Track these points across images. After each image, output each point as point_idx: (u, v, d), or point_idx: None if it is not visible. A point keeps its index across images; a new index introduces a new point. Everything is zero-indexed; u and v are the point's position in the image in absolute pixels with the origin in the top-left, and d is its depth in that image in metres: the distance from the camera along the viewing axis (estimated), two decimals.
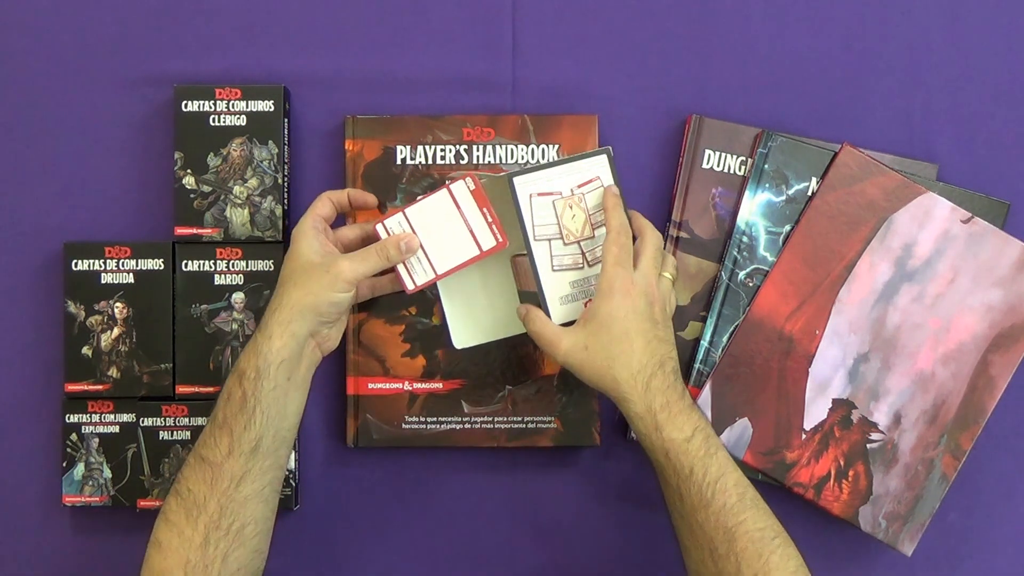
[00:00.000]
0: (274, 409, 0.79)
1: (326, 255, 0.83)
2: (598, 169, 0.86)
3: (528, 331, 0.84)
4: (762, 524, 0.78)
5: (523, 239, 0.85)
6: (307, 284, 0.80)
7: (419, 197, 0.86)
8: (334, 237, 0.87)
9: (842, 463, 0.90)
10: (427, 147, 0.93)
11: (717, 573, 0.77)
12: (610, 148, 0.87)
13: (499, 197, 0.86)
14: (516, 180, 0.84)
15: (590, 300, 0.84)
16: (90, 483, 0.92)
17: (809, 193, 0.91)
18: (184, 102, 0.93)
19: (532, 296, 0.86)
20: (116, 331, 0.93)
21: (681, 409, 0.79)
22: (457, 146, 0.93)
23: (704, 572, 0.78)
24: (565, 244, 0.85)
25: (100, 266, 0.93)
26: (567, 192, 0.85)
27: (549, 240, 0.85)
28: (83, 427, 0.92)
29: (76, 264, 0.93)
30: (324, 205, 0.86)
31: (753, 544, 0.77)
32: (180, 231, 0.93)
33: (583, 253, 0.86)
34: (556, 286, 0.85)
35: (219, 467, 0.77)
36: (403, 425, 0.93)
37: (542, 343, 0.83)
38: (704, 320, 0.92)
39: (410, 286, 0.85)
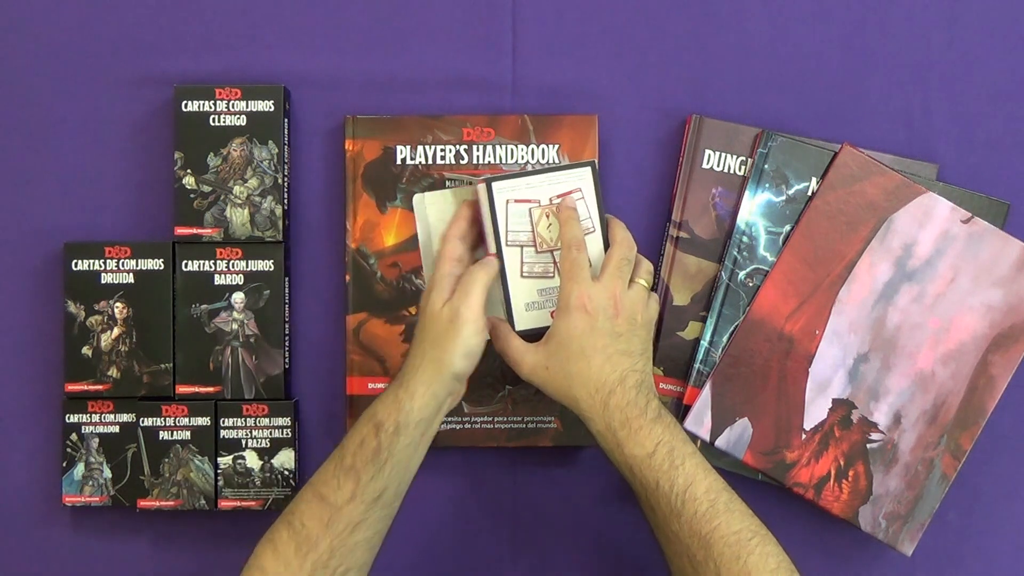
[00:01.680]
0: (404, 464, 0.80)
1: (450, 304, 0.80)
2: (581, 181, 0.85)
3: (495, 347, 0.84)
4: (737, 527, 0.78)
5: (494, 243, 0.84)
6: (442, 342, 0.79)
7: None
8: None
9: (842, 463, 0.90)
10: (427, 147, 0.93)
11: None
12: (595, 162, 0.86)
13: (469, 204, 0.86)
14: (495, 185, 0.84)
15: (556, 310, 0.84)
16: (90, 483, 0.92)
17: (809, 193, 0.91)
18: (184, 102, 0.93)
19: (500, 303, 0.85)
20: (116, 331, 0.93)
21: (641, 425, 0.79)
22: (457, 146, 0.93)
23: None
24: (537, 252, 0.84)
25: (100, 266, 0.93)
26: (545, 201, 0.84)
27: (521, 246, 0.84)
28: (83, 427, 0.92)
29: (76, 264, 0.93)
30: (453, 248, 0.83)
31: (729, 548, 0.77)
32: (180, 231, 0.93)
33: (555, 263, 0.85)
34: (523, 292, 0.84)
35: (338, 510, 0.77)
36: None
37: (507, 360, 0.83)
38: (704, 320, 0.92)
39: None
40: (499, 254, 0.84)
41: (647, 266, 0.85)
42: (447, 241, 0.83)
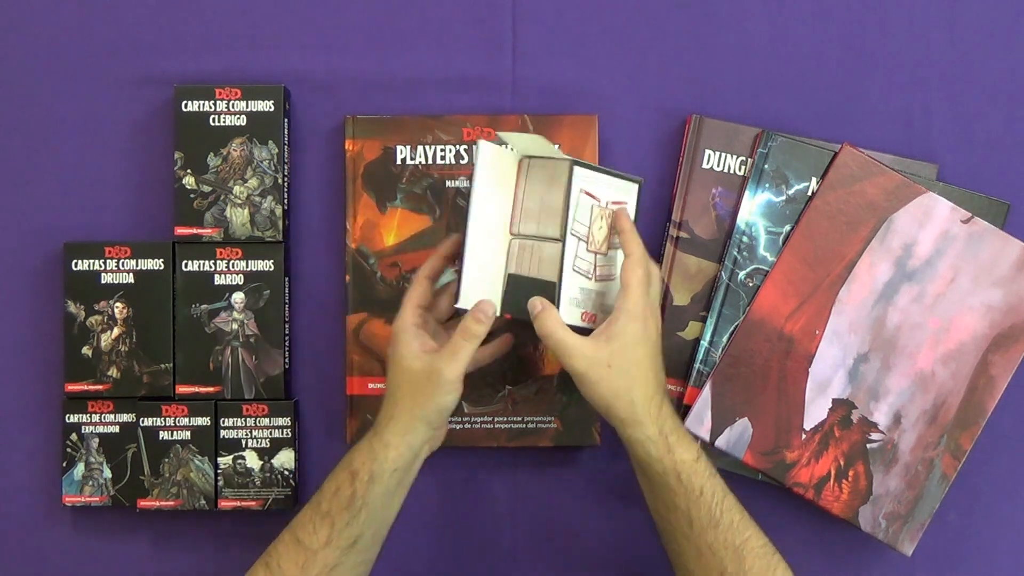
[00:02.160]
0: (380, 512, 0.80)
1: (426, 359, 0.80)
2: (628, 195, 0.86)
3: (538, 328, 0.80)
4: (764, 541, 0.80)
5: (559, 228, 0.82)
6: (415, 395, 0.80)
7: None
8: (433, 323, 0.85)
9: (842, 463, 0.90)
10: (427, 147, 0.93)
11: None
12: (643, 180, 0.87)
13: (535, 175, 0.84)
14: (576, 169, 0.83)
15: (588, 313, 0.84)
16: (90, 483, 0.92)
17: (809, 193, 0.91)
18: (184, 102, 0.93)
19: (526, 284, 0.83)
20: (116, 331, 0.93)
21: (685, 432, 0.81)
22: (457, 146, 0.93)
23: None
24: (588, 250, 0.85)
25: (100, 266, 0.93)
26: (603, 203, 0.85)
27: (578, 239, 0.84)
28: (83, 427, 0.92)
29: (76, 264, 0.93)
30: (421, 291, 0.84)
31: (759, 560, 0.78)
32: (180, 231, 0.93)
33: (595, 266, 0.85)
34: (571, 285, 0.84)
35: (314, 554, 0.78)
36: None
37: (556, 346, 0.79)
38: (704, 320, 0.92)
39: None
40: (562, 239, 0.83)
41: (657, 271, 0.85)
42: (416, 283, 0.84)
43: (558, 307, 0.82)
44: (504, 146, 0.84)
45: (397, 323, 0.82)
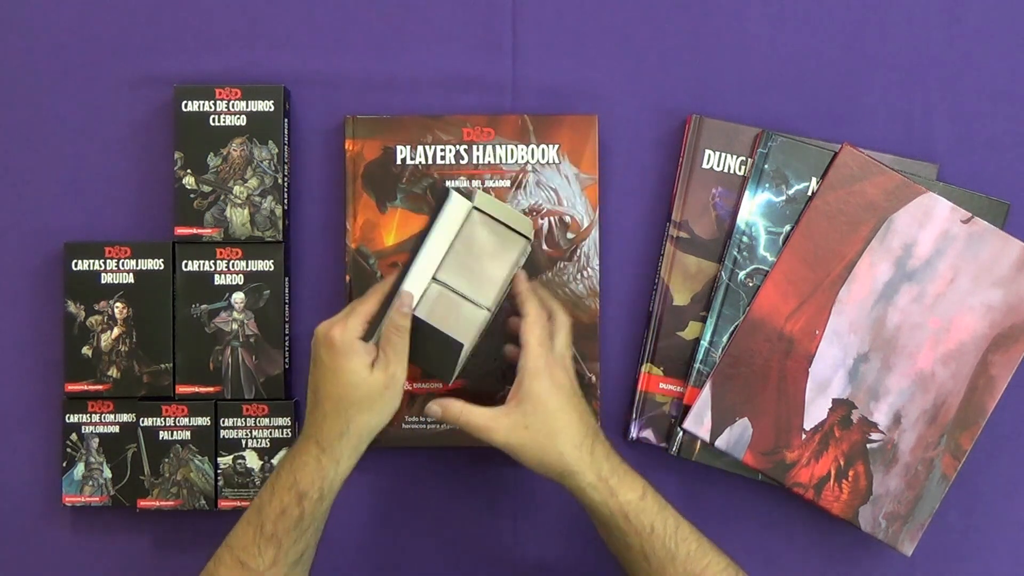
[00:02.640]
0: (322, 522, 0.80)
1: (379, 372, 0.79)
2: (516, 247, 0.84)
3: (449, 420, 0.81)
4: (723, 563, 0.80)
5: (494, 300, 0.82)
6: (374, 408, 0.79)
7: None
8: (362, 325, 0.81)
9: (842, 463, 0.90)
10: (427, 147, 0.93)
11: None
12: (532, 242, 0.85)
13: (483, 234, 0.83)
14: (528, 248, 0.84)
15: None
16: (90, 483, 0.92)
17: (809, 193, 0.91)
18: (184, 102, 0.93)
19: (431, 334, 0.81)
20: (116, 331, 0.93)
21: (626, 471, 0.80)
22: (457, 146, 0.93)
23: None
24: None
25: (100, 266, 0.93)
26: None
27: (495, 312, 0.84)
28: (83, 427, 0.92)
29: (76, 264, 0.93)
30: (372, 307, 0.81)
31: None
32: (180, 231, 0.93)
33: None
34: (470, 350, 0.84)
35: (261, 575, 0.78)
36: (403, 425, 0.93)
37: (472, 430, 0.80)
38: (704, 320, 0.92)
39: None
40: (492, 311, 0.82)
41: (563, 320, 0.84)
42: (369, 297, 0.81)
43: (456, 369, 0.83)
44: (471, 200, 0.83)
45: (343, 334, 0.78)
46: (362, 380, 0.78)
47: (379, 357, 0.79)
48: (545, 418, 0.79)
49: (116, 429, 0.92)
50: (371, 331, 0.80)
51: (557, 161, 0.93)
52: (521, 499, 0.95)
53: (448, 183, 0.93)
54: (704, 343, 0.91)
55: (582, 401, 0.82)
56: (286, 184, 0.94)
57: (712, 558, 0.79)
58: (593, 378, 0.92)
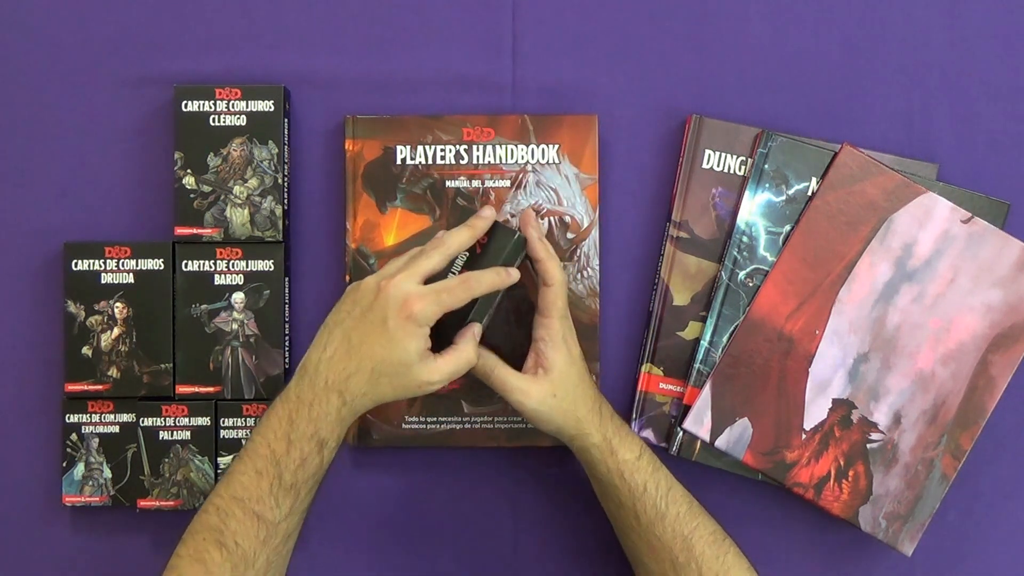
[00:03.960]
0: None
1: (424, 358, 0.79)
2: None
3: (485, 377, 0.84)
4: (713, 527, 0.82)
5: (488, 306, 0.84)
6: (399, 387, 0.79)
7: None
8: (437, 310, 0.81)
9: (842, 463, 0.90)
10: (427, 147, 0.93)
11: None
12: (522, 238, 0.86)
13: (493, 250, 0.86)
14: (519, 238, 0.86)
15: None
16: (90, 483, 0.92)
17: (809, 193, 0.91)
18: (184, 102, 0.93)
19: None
20: (116, 331, 0.93)
21: (627, 432, 0.85)
22: (457, 146, 0.93)
23: None
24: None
25: (100, 266, 0.93)
26: None
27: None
28: (83, 427, 0.92)
29: (76, 264, 0.93)
30: (461, 294, 0.81)
31: (710, 547, 0.81)
32: (180, 231, 0.93)
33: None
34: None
35: (276, 527, 0.76)
36: (403, 425, 0.93)
37: (508, 391, 0.83)
38: (704, 320, 0.92)
39: None
40: (490, 315, 0.85)
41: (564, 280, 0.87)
42: (435, 256, 0.81)
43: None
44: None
45: (423, 311, 0.78)
46: (413, 364, 0.78)
47: (437, 361, 0.79)
48: (569, 388, 0.84)
49: (116, 429, 0.92)
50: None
51: (557, 161, 0.93)
52: (521, 499, 0.95)
53: (448, 184, 0.93)
54: (704, 343, 0.91)
55: (586, 368, 0.87)
56: (286, 184, 0.94)
57: (701, 521, 0.82)
58: (593, 378, 0.92)
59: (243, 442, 0.92)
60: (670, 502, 0.82)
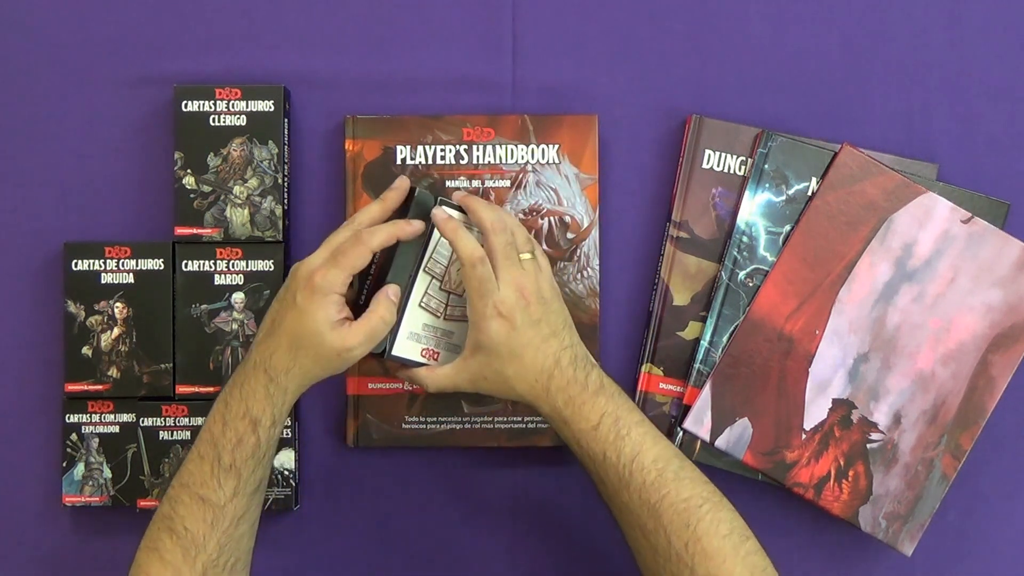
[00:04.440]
0: (275, 448, 0.81)
1: (342, 333, 0.79)
2: None
3: (424, 387, 0.84)
4: (687, 494, 0.77)
5: (410, 265, 0.83)
6: (318, 358, 0.79)
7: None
8: (344, 279, 0.80)
9: (842, 463, 0.90)
10: (427, 147, 0.93)
11: (651, 548, 0.77)
12: None
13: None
14: (443, 206, 0.83)
15: (429, 349, 0.85)
16: (90, 483, 0.92)
17: (809, 193, 0.91)
18: (184, 102, 0.93)
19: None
20: (116, 331, 0.93)
21: (584, 400, 0.79)
22: (457, 146, 0.93)
23: (640, 549, 0.79)
24: (440, 288, 0.85)
25: (100, 266, 0.93)
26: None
27: (432, 278, 0.85)
28: (83, 427, 0.92)
29: (76, 264, 0.93)
30: (363, 259, 0.80)
31: (679, 515, 0.77)
32: (180, 231, 0.93)
33: (447, 305, 0.85)
34: (413, 321, 0.84)
35: (222, 508, 0.77)
36: (403, 425, 0.93)
37: (439, 389, 0.83)
38: (704, 320, 0.92)
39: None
40: (412, 275, 0.84)
41: (522, 234, 0.84)
42: (361, 245, 0.80)
43: (391, 340, 0.83)
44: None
45: (324, 281, 0.78)
46: (324, 333, 0.78)
47: (351, 327, 0.79)
48: (498, 366, 0.80)
49: (116, 429, 0.92)
50: (351, 293, 0.82)
51: (557, 161, 0.93)
52: (520, 499, 0.95)
53: (448, 184, 0.93)
54: (704, 343, 0.91)
55: (540, 327, 0.80)
56: (286, 184, 0.94)
57: (671, 490, 0.77)
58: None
59: None
60: (634, 471, 0.78)
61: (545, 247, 0.93)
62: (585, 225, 0.93)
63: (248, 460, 0.78)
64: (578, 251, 0.93)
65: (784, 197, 0.92)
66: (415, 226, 0.82)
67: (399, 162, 0.93)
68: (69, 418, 0.92)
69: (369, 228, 0.81)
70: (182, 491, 0.78)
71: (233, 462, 0.77)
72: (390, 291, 0.82)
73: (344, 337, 0.79)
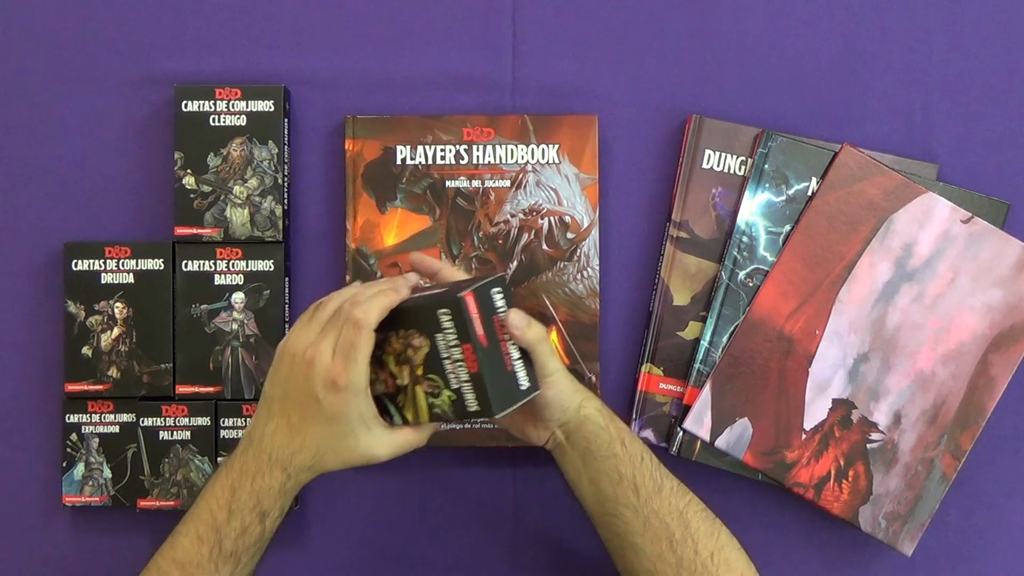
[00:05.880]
0: (274, 532, 0.79)
1: (367, 428, 0.75)
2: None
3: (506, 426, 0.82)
4: (702, 504, 0.80)
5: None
6: (345, 458, 0.76)
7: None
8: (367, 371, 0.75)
9: (842, 463, 0.90)
10: (427, 147, 0.93)
11: (676, 562, 0.77)
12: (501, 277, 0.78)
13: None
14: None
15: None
16: (90, 483, 0.92)
17: (809, 193, 0.91)
18: (184, 102, 0.93)
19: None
20: (116, 331, 0.93)
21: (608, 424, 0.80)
22: (457, 146, 0.93)
23: (661, 566, 0.77)
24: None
25: (100, 266, 0.93)
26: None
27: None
28: (83, 427, 0.92)
29: (76, 264, 0.93)
30: (372, 342, 0.74)
31: (704, 523, 0.78)
32: (180, 231, 0.93)
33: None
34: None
35: None
36: None
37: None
38: (704, 320, 0.92)
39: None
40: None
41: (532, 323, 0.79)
42: (366, 332, 0.73)
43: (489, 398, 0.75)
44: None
45: (348, 377, 0.73)
46: (356, 436, 0.75)
47: (383, 434, 0.76)
48: (565, 378, 0.79)
49: (116, 429, 0.92)
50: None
51: (557, 161, 0.93)
52: (520, 499, 0.95)
53: (448, 183, 0.93)
54: (704, 343, 0.91)
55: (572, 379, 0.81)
56: (286, 184, 0.94)
57: (692, 497, 0.79)
58: (593, 378, 0.92)
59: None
60: (663, 475, 0.79)
61: (545, 247, 0.93)
62: (585, 225, 0.93)
63: (251, 548, 0.76)
64: (578, 251, 0.93)
65: (784, 197, 0.92)
66: (399, 289, 0.76)
67: (399, 162, 0.93)
68: (69, 418, 0.92)
69: (361, 305, 0.74)
70: (175, 568, 0.76)
71: (235, 550, 0.76)
72: (431, 428, 0.78)
73: (378, 444, 0.76)
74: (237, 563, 0.76)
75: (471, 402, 0.75)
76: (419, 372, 0.76)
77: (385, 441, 0.76)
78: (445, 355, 0.75)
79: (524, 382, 0.76)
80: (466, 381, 0.74)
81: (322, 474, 0.77)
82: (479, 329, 0.74)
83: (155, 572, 0.77)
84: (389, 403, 0.78)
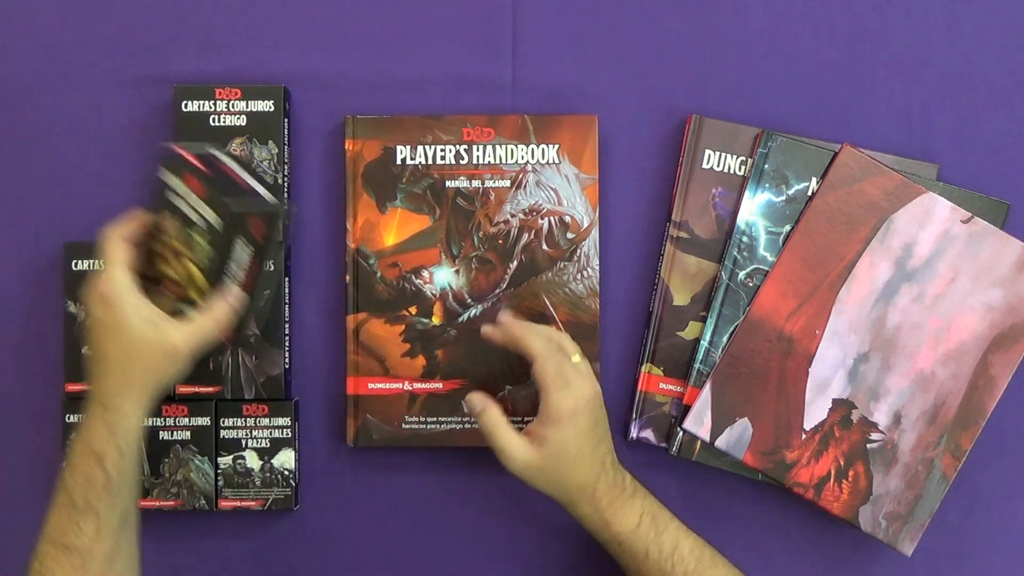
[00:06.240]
0: (135, 478, 0.80)
1: (158, 330, 0.79)
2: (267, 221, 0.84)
3: (481, 430, 0.83)
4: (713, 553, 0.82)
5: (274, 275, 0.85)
6: (146, 367, 0.79)
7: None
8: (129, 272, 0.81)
9: (842, 463, 0.90)
10: (427, 147, 0.93)
11: None
12: (285, 207, 0.84)
13: None
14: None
15: None
16: None
17: (809, 193, 0.91)
18: (184, 102, 0.93)
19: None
20: None
21: (625, 500, 0.82)
22: (457, 146, 0.93)
23: None
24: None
25: (100, 266, 0.93)
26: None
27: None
28: None
29: (76, 264, 0.93)
30: (126, 252, 0.82)
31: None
32: None
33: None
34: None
35: (88, 551, 0.76)
36: (403, 425, 0.93)
37: (495, 450, 0.82)
38: (704, 320, 0.92)
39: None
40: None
41: (565, 339, 0.85)
42: (115, 242, 0.82)
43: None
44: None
45: (110, 286, 0.79)
46: (138, 334, 0.78)
47: (173, 324, 0.80)
48: (559, 464, 0.80)
49: None
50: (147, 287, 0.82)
51: (557, 161, 0.93)
52: (520, 499, 0.95)
53: (448, 183, 0.93)
54: (704, 343, 0.91)
55: (597, 428, 0.82)
56: (286, 184, 0.94)
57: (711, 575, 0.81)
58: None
59: (243, 443, 0.92)
60: (676, 563, 0.80)
61: (545, 247, 0.93)
62: (585, 225, 0.93)
63: (102, 496, 0.76)
64: (578, 251, 0.93)
65: (784, 197, 0.92)
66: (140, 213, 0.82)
67: (399, 162, 0.93)
68: (69, 418, 0.92)
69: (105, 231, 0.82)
70: (48, 546, 0.77)
71: (87, 502, 0.76)
72: (231, 296, 0.82)
73: (165, 333, 0.79)
74: (96, 516, 0.76)
75: (215, 222, 0.80)
76: (177, 245, 0.81)
77: (177, 332, 0.79)
78: (184, 208, 0.80)
79: (269, 197, 0.81)
80: (204, 207, 0.80)
81: (149, 396, 0.79)
82: (194, 161, 0.81)
83: (36, 559, 0.78)
84: (182, 305, 0.83)
